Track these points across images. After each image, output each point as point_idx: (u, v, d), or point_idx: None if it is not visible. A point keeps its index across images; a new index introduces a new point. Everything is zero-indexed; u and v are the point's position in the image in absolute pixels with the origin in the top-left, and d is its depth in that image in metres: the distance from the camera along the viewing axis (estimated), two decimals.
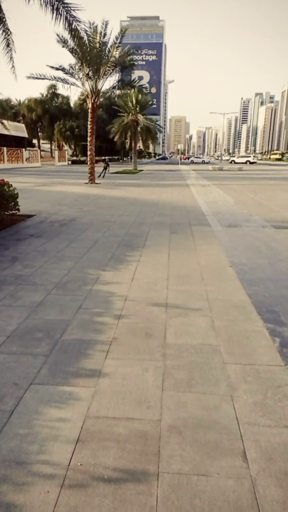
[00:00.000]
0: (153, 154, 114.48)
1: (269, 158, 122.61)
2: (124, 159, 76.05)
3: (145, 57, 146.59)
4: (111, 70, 22.09)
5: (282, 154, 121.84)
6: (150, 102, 48.89)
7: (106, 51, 21.54)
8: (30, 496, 1.99)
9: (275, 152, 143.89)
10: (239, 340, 3.66)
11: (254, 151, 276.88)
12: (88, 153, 23.76)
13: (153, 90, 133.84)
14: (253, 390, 2.88)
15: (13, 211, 9.76)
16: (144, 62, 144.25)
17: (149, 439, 2.39)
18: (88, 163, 23.74)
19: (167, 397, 2.80)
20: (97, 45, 20.83)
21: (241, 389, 2.90)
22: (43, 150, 69.91)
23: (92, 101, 22.18)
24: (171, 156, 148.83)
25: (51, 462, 2.20)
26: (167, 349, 3.50)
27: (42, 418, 2.56)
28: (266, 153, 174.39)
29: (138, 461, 2.22)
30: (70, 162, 57.46)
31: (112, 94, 27.88)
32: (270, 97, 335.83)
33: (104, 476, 2.11)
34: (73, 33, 17.90)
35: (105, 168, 29.58)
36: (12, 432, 2.43)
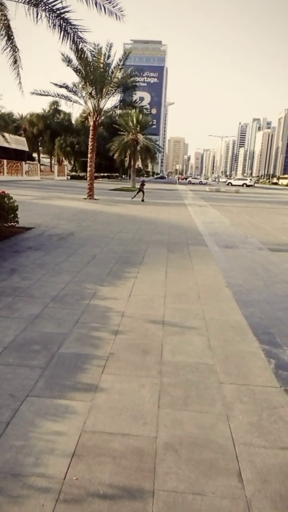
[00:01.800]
0: (151, 173, 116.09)
1: (269, 182, 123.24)
2: (123, 176, 76.92)
3: (146, 79, 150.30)
4: (114, 90, 22.61)
5: None
6: (150, 123, 49.85)
7: (110, 72, 22.11)
8: (25, 509, 1.97)
9: (284, 176, 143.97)
10: (235, 360, 3.69)
11: (251, 174, 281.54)
12: (88, 169, 24.04)
13: (154, 111, 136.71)
14: (249, 411, 2.90)
15: (12, 223, 9.81)
16: (145, 84, 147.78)
17: (145, 455, 2.39)
18: (88, 179, 23.98)
19: (163, 414, 2.81)
20: (101, 65, 21.39)
21: (236, 409, 2.91)
22: (42, 164, 70.60)
23: (94, 119, 22.59)
24: (169, 176, 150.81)
25: (47, 475, 2.19)
26: (164, 366, 3.52)
27: (38, 431, 2.56)
28: (262, 176, 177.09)
29: (134, 477, 2.22)
30: (69, 177, 58.01)
31: (114, 113, 28.48)
32: (267, 123, 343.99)
33: (99, 491, 2.11)
34: (79, 53, 18.39)
35: (140, 190, 24.41)
36: (7, 444, 2.42)
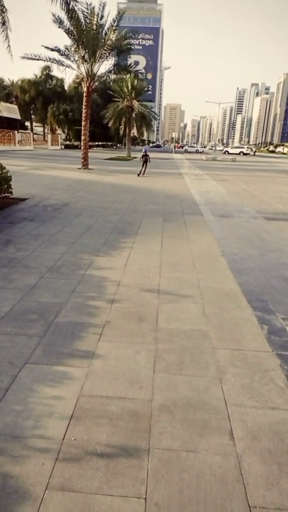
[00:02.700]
0: (147, 142, 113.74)
1: (267, 150, 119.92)
2: (118, 145, 75.33)
3: (141, 42, 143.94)
4: (107, 54, 21.72)
5: None
6: (146, 88, 48.22)
7: (103, 34, 21.14)
8: (26, 467, 2.07)
9: (282, 143, 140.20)
10: (229, 327, 3.77)
11: (248, 142, 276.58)
12: (82, 138, 23.47)
13: (149, 76, 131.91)
14: (241, 374, 2.99)
15: (6, 194, 9.68)
16: (140, 47, 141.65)
17: (141, 417, 2.49)
18: (82, 148, 23.47)
19: (159, 379, 2.89)
20: (94, 27, 20.42)
21: (229, 373, 3.00)
22: (35, 133, 68.73)
23: (87, 84, 21.84)
24: (165, 144, 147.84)
25: (46, 437, 2.28)
26: (159, 333, 3.59)
27: (37, 396, 2.64)
28: (260, 144, 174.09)
29: (130, 437, 2.32)
30: (63, 147, 56.67)
31: (108, 78, 27.54)
32: (266, 88, 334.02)
33: (97, 450, 2.20)
34: (70, 13, 17.54)
35: (145, 162, 20.35)
36: (7, 408, 2.50)
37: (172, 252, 6.35)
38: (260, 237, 7.74)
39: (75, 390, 2.72)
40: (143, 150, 21.07)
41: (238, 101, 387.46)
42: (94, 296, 4.39)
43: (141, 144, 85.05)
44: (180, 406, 2.60)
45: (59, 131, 70.69)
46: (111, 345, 3.34)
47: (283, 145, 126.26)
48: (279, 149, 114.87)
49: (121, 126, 41.78)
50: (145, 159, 20.23)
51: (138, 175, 20.04)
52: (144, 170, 20.29)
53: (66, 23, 19.08)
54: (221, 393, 2.76)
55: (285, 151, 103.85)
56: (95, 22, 20.52)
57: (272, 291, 4.81)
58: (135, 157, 42.03)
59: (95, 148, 62.27)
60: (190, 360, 3.17)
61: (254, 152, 79.14)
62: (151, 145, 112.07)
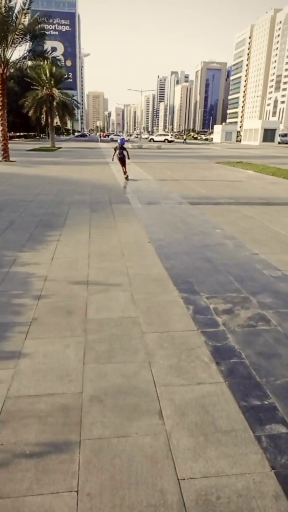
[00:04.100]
0: (71, 131, 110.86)
1: (192, 137, 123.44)
2: (41, 135, 72.48)
3: (58, 27, 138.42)
4: (20, 39, 20.64)
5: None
6: (66, 76, 46.77)
7: (14, 17, 19.99)
8: None
9: (204, 130, 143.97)
10: (157, 311, 3.86)
11: (172, 129, 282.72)
12: (0, 128, 22.18)
13: (68, 63, 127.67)
14: (169, 355, 3.09)
15: None
16: (57, 33, 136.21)
17: (71, 410, 2.46)
18: (1, 139, 22.19)
19: (88, 370, 2.88)
20: (3, 9, 19.22)
21: (158, 355, 3.09)
22: None
23: (1, 71, 20.59)
24: (91, 133, 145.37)
25: None
26: (88, 324, 3.57)
27: None
28: (183, 131, 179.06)
29: (60, 432, 2.28)
30: None
31: (23, 65, 26.09)
32: (185, 76, 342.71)
33: (26, 451, 2.14)
34: None
35: (122, 160, 14.54)
36: None
37: (100, 242, 6.31)
38: (185, 221, 8.01)
39: (1, 393, 2.60)
40: (119, 142, 14.84)
41: (160, 89, 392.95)
42: (20, 293, 4.21)
43: (65, 134, 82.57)
44: (111, 394, 2.62)
45: None
46: (39, 342, 3.24)
47: (205, 132, 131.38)
48: (203, 136, 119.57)
49: (42, 116, 40.11)
50: (122, 156, 14.31)
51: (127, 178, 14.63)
52: (126, 170, 14.77)
53: None
54: (150, 375, 2.83)
55: (207, 138, 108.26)
56: (3, 4, 19.30)
57: (197, 272, 5.01)
58: (60, 147, 40.89)
59: (17, 139, 59.33)
60: (120, 347, 3.19)
61: (185, 139, 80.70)
62: (76, 134, 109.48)
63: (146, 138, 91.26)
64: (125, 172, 14.80)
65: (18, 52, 26.04)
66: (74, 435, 2.26)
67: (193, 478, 1.99)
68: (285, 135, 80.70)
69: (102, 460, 2.09)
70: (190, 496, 1.89)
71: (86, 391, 2.65)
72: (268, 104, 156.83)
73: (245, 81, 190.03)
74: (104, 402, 2.54)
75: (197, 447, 2.18)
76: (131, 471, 2.03)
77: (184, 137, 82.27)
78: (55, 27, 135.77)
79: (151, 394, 2.63)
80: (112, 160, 14.80)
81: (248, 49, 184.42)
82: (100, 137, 76.27)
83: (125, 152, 14.43)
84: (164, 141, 69.53)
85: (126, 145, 16.56)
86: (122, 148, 14.40)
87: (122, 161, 14.62)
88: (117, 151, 14.39)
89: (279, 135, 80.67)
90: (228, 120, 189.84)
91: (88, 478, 1.98)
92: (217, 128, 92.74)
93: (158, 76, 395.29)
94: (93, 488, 1.93)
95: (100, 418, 2.39)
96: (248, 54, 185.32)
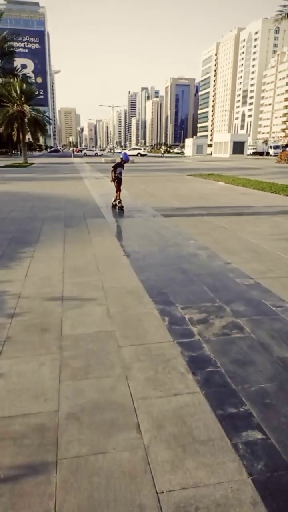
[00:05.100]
0: (44, 147, 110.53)
1: (165, 151, 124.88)
2: (13, 152, 71.89)
3: (27, 45, 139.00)
4: None
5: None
6: (37, 92, 46.76)
7: None
8: None
9: (176, 144, 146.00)
10: (133, 324, 3.86)
11: (144, 143, 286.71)
12: None
13: (39, 80, 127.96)
14: (146, 367, 3.09)
15: None
16: (26, 50, 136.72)
17: (47, 430, 2.41)
18: None
19: (65, 387, 2.84)
20: None
21: (135, 368, 3.08)
22: None
23: None
24: (64, 149, 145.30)
25: None
26: (64, 341, 3.52)
27: None
28: (156, 145, 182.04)
29: (36, 454, 2.23)
30: None
31: None
32: (156, 92, 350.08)
33: (0, 476, 2.07)
34: None
35: (117, 180, 10.83)
36: None
37: (75, 257, 6.28)
38: (159, 233, 8.09)
39: None
40: (122, 157, 11.13)
41: (131, 104, 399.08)
42: None
43: (38, 150, 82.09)
44: (88, 411, 2.58)
45: None
46: (13, 362, 3.17)
47: (177, 145, 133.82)
48: (175, 150, 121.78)
49: (13, 132, 39.86)
50: (121, 176, 11.01)
51: (115, 206, 11.19)
52: (119, 194, 11.11)
53: None
54: (127, 389, 2.81)
55: (181, 151, 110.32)
56: None
57: (172, 283, 5.06)
58: (33, 163, 40.62)
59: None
60: (96, 362, 3.17)
61: (163, 153, 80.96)
62: (49, 150, 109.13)
63: (119, 152, 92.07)
64: (120, 200, 11.12)
65: None
66: (50, 455, 2.21)
67: (172, 490, 1.98)
68: (276, 146, 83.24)
69: (79, 479, 2.06)
70: (169, 510, 1.87)
71: (62, 409, 2.60)
72: (236, 118, 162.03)
73: (213, 96, 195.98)
74: (81, 420, 2.50)
75: (175, 459, 2.18)
76: (110, 488, 2.00)
77: (162, 151, 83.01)
78: (24, 45, 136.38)
79: (129, 408, 2.61)
80: (111, 181, 11.05)
81: (215, 65, 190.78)
82: (73, 152, 76.42)
83: (119, 174, 10.98)
84: (137, 155, 70.33)
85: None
86: (122, 166, 11.08)
87: (119, 183, 11.00)
88: (118, 170, 10.88)
89: (271, 147, 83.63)
90: (198, 134, 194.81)
91: (65, 498, 1.94)
92: (188, 141, 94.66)
93: (129, 92, 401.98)
94: (70, 509, 1.88)
95: (77, 436, 2.35)
96: (215, 71, 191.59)
